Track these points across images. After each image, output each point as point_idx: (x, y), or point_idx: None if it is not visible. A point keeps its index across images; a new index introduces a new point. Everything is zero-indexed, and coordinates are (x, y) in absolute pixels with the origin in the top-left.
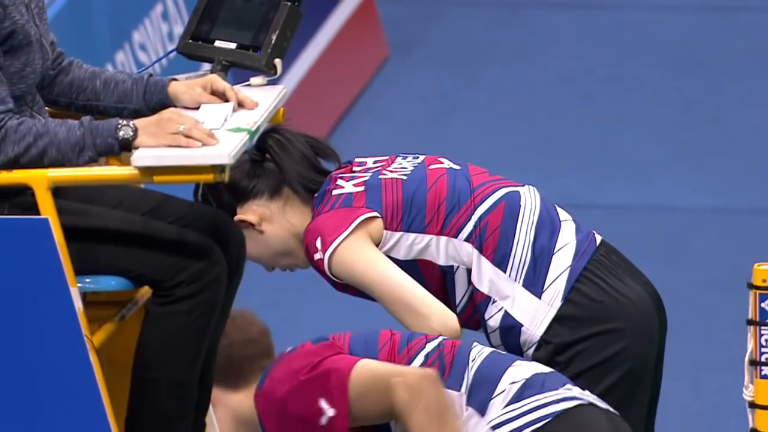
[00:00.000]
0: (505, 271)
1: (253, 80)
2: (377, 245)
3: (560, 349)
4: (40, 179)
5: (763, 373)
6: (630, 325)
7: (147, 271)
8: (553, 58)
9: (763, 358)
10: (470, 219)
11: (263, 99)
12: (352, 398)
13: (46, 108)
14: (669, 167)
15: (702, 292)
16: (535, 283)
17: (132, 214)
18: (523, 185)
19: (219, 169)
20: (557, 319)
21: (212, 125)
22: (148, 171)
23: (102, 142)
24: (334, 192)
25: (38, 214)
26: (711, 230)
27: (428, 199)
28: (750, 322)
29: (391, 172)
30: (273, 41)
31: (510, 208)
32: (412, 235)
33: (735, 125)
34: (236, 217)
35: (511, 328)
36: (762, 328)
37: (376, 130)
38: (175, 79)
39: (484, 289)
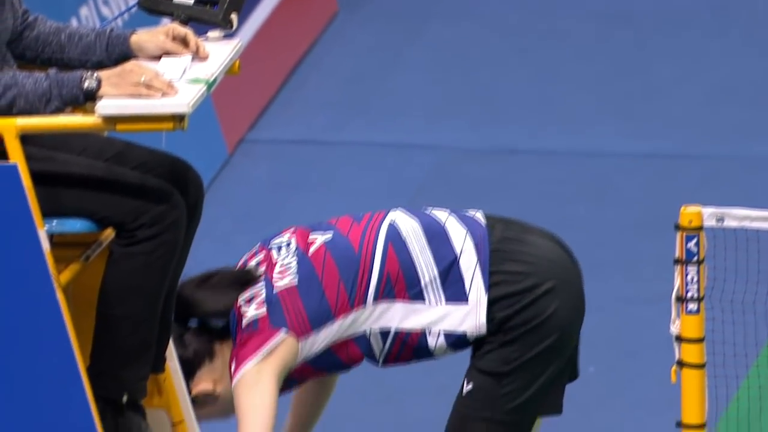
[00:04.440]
0: (424, 301)
1: (210, 34)
2: (296, 357)
3: (506, 319)
4: (9, 127)
5: (688, 308)
6: (559, 282)
7: (110, 214)
8: (491, 14)
9: (688, 295)
10: (371, 280)
11: (220, 52)
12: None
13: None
14: (598, 115)
15: (628, 233)
16: (456, 293)
17: (96, 161)
18: (389, 211)
19: (178, 118)
20: (491, 304)
21: (172, 76)
22: (111, 120)
23: (67, 93)
24: (244, 322)
25: (7, 160)
26: (637, 174)
27: (325, 289)
28: (677, 261)
29: (281, 276)
30: None
31: (397, 244)
32: (324, 329)
33: (660, 76)
34: (193, 393)
35: (458, 340)
36: (688, 266)
37: (325, 83)
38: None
39: (414, 328)
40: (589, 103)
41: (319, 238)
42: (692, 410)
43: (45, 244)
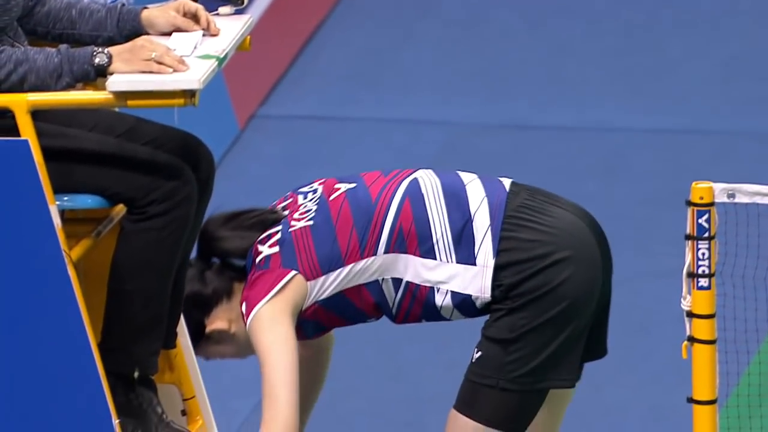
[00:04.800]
0: (435, 258)
1: (222, 10)
2: (305, 297)
3: (513, 286)
4: (20, 103)
5: (699, 284)
6: (574, 252)
7: (122, 190)
8: None
9: (699, 271)
10: (383, 231)
11: (231, 28)
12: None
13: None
14: (609, 91)
15: (638, 209)
16: (467, 255)
17: (107, 136)
18: (417, 170)
19: (189, 94)
20: (498, 270)
21: (183, 52)
22: (122, 95)
23: (78, 69)
24: (257, 259)
25: (18, 136)
26: (648, 150)
27: (338, 234)
28: (688, 237)
29: (298, 220)
30: None
31: (414, 199)
32: (334, 273)
33: (671, 51)
34: (207, 329)
35: (463, 302)
36: (699, 242)
37: (336, 59)
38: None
39: (423, 282)
40: (599, 79)
41: (343, 187)
42: (703, 386)
43: (56, 220)
